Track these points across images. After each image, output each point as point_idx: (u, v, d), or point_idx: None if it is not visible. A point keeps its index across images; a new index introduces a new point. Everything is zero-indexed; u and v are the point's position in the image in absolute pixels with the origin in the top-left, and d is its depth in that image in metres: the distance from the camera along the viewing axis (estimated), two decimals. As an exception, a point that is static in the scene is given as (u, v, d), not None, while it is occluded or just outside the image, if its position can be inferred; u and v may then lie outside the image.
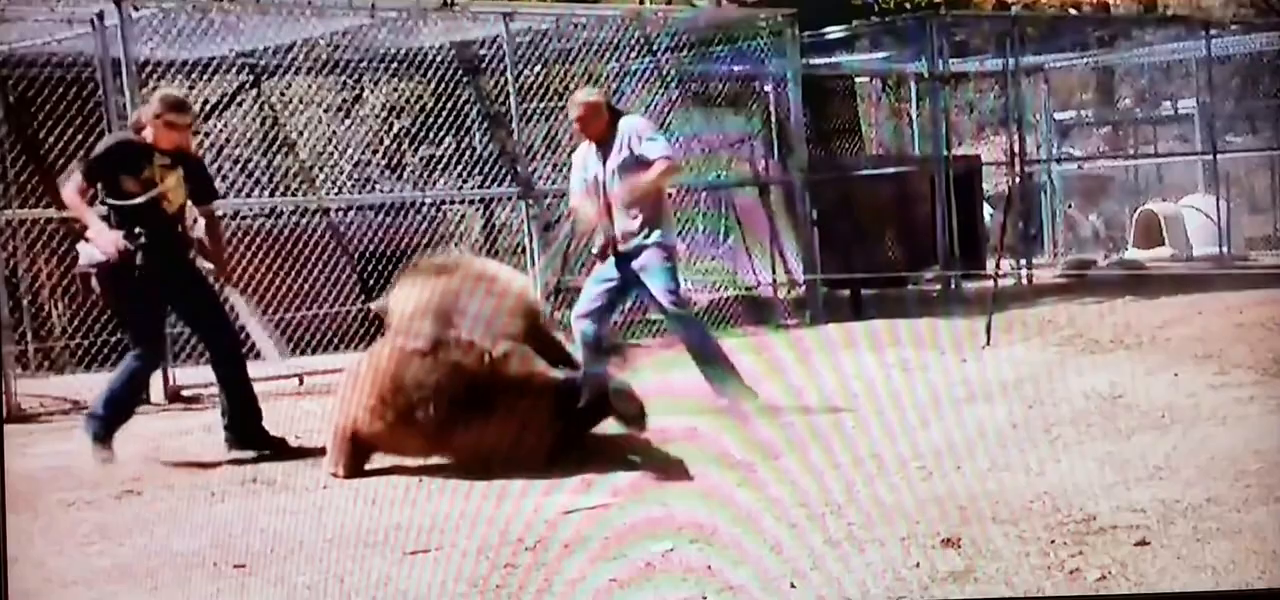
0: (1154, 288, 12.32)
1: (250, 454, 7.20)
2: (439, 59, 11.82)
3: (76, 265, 7.23)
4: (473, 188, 12.24)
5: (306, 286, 11.08)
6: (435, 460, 6.60)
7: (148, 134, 7.23)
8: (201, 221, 7.41)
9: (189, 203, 7.34)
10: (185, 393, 9.35)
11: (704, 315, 11.64)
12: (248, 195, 11.91)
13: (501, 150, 12.50)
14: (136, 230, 7.06)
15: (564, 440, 6.54)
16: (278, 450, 7.25)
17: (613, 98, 12.13)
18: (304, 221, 11.44)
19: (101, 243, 7.04)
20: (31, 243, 10.71)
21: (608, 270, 7.78)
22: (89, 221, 7.11)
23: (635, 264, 7.65)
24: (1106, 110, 20.07)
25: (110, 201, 7.13)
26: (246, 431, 7.31)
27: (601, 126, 7.67)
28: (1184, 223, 16.04)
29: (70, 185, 7.20)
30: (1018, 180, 14.55)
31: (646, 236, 7.65)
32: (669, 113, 12.51)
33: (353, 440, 6.62)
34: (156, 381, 9.40)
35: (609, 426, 6.97)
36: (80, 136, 10.04)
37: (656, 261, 7.64)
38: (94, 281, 7.16)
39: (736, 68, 13.31)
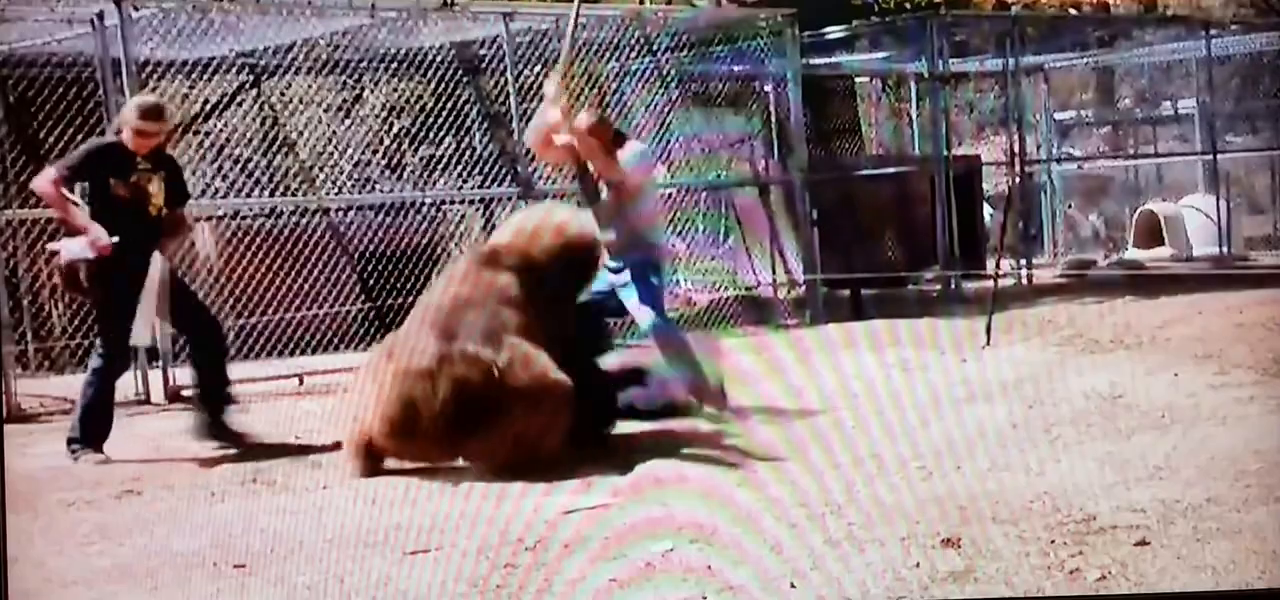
0: (1154, 288, 12.32)
1: (213, 445, 7.32)
2: (439, 59, 11.82)
3: (60, 259, 7.25)
4: (473, 188, 12.23)
5: (306, 286, 11.08)
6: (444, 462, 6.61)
7: (126, 138, 7.30)
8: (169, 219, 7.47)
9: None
10: (185, 393, 9.34)
11: (704, 315, 11.66)
12: (248, 195, 11.91)
13: (501, 150, 12.50)
14: (118, 233, 7.13)
15: (576, 439, 6.57)
16: (239, 443, 7.33)
17: (613, 98, 12.18)
18: (304, 221, 11.44)
19: (86, 237, 7.09)
20: (31, 243, 10.71)
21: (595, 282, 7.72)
22: (71, 214, 7.18)
23: (621, 276, 7.60)
24: (1106, 110, 20.07)
25: (95, 203, 7.21)
26: (217, 425, 7.39)
27: (599, 144, 7.58)
28: (1184, 223, 16.04)
29: (47, 178, 7.23)
30: (1018, 180, 14.55)
31: (633, 250, 7.59)
32: (669, 113, 12.51)
33: (366, 449, 6.63)
34: (156, 381, 9.42)
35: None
36: (80, 136, 10.03)
37: (641, 273, 7.60)
38: (83, 276, 7.18)
39: (736, 68, 13.32)
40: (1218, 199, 15.70)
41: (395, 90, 13.32)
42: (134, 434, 7.85)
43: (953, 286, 13.11)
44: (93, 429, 7.24)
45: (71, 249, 7.17)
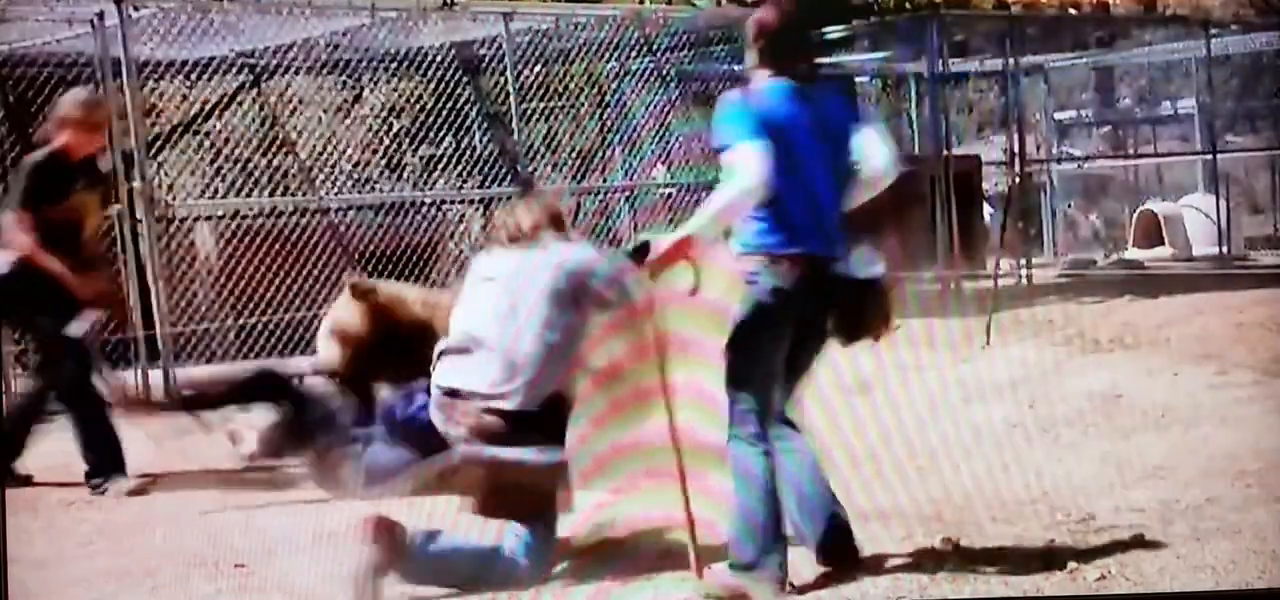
0: (1154, 288, 12.31)
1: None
2: (439, 59, 11.82)
3: None
4: (473, 188, 12.23)
5: (306, 286, 11.07)
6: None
7: (62, 141, 6.69)
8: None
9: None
10: (185, 393, 9.34)
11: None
12: (248, 195, 11.90)
13: (501, 150, 12.50)
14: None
15: None
16: None
17: (612, 97, 12.17)
18: (304, 221, 11.43)
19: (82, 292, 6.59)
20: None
21: None
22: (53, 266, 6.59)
23: None
24: (1106, 110, 20.07)
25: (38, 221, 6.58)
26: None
27: None
28: (1184, 223, 16.03)
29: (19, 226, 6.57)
30: (1017, 180, 14.55)
31: None
32: (669, 113, 12.51)
33: None
34: (157, 381, 9.41)
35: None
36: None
37: None
38: None
39: (736, 68, 13.29)
40: (1218, 199, 15.70)
41: (395, 90, 13.31)
42: (134, 434, 7.83)
43: (952, 286, 13.11)
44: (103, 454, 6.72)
45: None
